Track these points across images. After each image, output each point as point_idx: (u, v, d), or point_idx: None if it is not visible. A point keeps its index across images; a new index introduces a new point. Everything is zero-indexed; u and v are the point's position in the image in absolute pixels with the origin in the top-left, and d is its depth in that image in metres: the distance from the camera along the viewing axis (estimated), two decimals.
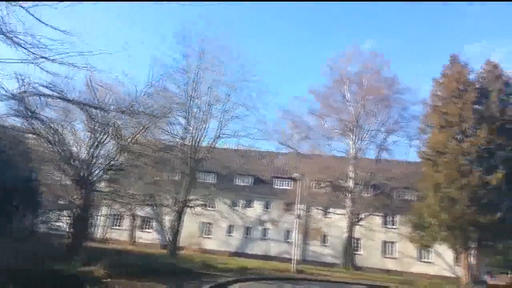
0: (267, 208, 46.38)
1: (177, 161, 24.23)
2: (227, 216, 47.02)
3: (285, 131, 39.58)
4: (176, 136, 23.92)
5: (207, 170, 48.06)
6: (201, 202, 30.94)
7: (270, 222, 45.90)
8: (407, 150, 43.79)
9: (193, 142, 24.29)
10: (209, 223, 47.29)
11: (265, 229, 45.81)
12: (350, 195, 37.00)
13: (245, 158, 52.55)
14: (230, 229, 46.78)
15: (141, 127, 15.11)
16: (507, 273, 42.53)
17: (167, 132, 22.88)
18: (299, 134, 39.19)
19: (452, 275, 39.11)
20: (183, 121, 24.68)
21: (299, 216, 23.23)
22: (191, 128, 24.38)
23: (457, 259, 39.75)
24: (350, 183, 37.40)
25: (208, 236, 47.01)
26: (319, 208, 42.96)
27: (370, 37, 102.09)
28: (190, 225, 47.35)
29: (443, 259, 39.96)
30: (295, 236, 23.61)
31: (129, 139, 15.24)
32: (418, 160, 37.51)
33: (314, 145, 39.29)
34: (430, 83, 30.20)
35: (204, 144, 25.01)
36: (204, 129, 25.04)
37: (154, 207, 27.77)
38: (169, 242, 23.68)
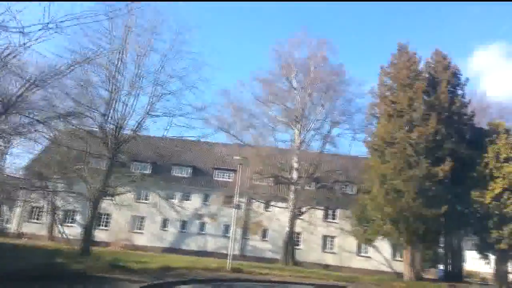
0: (206, 201, 42.71)
1: (95, 141, 19.79)
2: (162, 209, 42.76)
3: (227, 118, 36.12)
4: (95, 111, 19.47)
5: (142, 160, 43.48)
6: (125, 191, 26.50)
7: (208, 216, 42.33)
8: (350, 143, 42.43)
9: (117, 118, 20.00)
10: (142, 217, 42.63)
11: (203, 223, 42.13)
12: (293, 187, 34.44)
13: (184, 147, 48.65)
14: (164, 223, 42.52)
15: (29, 80, 10.84)
16: (435, 268, 42.78)
17: (81, 103, 18.38)
18: (242, 122, 35.94)
19: (390, 270, 38.29)
20: (105, 94, 20.27)
21: (238, 206, 19.93)
22: (115, 101, 20.03)
23: (395, 254, 39.05)
24: (294, 175, 34.88)
25: (140, 231, 42.33)
26: (260, 201, 40.21)
27: (318, 29, 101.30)
28: (119, 219, 42.43)
29: (381, 254, 38.99)
30: (233, 230, 20.28)
31: (12, 97, 10.95)
32: (361, 154, 36.13)
33: (257, 135, 36.23)
34: (372, 82, 28.68)
35: (131, 122, 20.81)
36: (132, 105, 20.82)
37: (50, 193, 22.83)
38: (82, 237, 19.23)
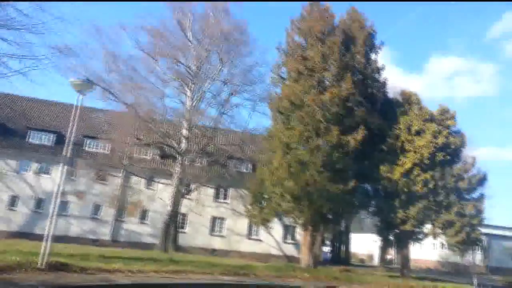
0: (72, 175, 32.82)
1: None
2: (10, 183, 31.75)
3: (99, 67, 27.16)
4: None
5: None
6: None
7: (74, 193, 32.67)
8: (250, 114, 36.71)
9: None
10: None
11: (66, 203, 32.30)
12: (179, 158, 27.35)
13: (46, 109, 37.64)
14: (13, 202, 31.64)
15: None
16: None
17: None
18: (121, 77, 27.26)
19: (280, 253, 34.14)
20: None
21: (69, 160, 12.32)
22: None
23: (286, 236, 35.06)
24: (183, 145, 27.81)
25: None
26: (140, 176, 32.21)
27: None
28: None
29: (272, 237, 34.53)
30: (55, 196, 12.48)
31: None
32: (260, 129, 30.81)
33: (141, 95, 27.95)
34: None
35: None
36: None
37: None
38: None
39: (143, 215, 33.08)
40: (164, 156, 32.94)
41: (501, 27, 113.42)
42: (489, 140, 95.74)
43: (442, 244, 21.75)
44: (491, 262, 37.71)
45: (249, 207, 23.50)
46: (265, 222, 22.49)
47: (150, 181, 32.85)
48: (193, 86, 27.68)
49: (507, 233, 40.97)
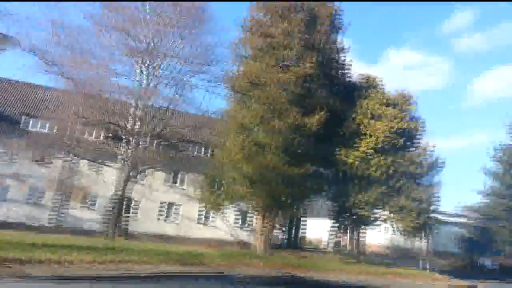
0: (10, 158, 29.55)
1: None
2: None
3: (47, 41, 24.06)
4: None
5: None
6: None
7: (12, 177, 29.46)
8: (205, 96, 34.64)
9: None
10: None
11: (4, 187, 29.15)
12: (131, 140, 25.19)
13: None
14: None
15: None
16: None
17: None
18: (68, 51, 24.33)
19: (235, 240, 33.17)
20: None
21: None
22: None
23: (240, 221, 34.13)
24: (134, 126, 25.59)
25: None
26: (87, 159, 29.53)
27: None
28: None
29: (227, 222, 33.44)
30: None
31: None
32: (216, 113, 29.21)
33: (89, 72, 25.18)
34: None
35: None
36: None
37: None
38: None
39: (90, 201, 30.62)
40: (113, 137, 30.40)
41: (451, 23, 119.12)
42: (436, 131, 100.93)
43: (393, 229, 21.64)
44: (436, 247, 39.39)
45: (202, 191, 22.15)
46: (217, 207, 21.30)
47: (97, 164, 30.27)
48: (147, 63, 25.42)
49: (449, 218, 42.99)
